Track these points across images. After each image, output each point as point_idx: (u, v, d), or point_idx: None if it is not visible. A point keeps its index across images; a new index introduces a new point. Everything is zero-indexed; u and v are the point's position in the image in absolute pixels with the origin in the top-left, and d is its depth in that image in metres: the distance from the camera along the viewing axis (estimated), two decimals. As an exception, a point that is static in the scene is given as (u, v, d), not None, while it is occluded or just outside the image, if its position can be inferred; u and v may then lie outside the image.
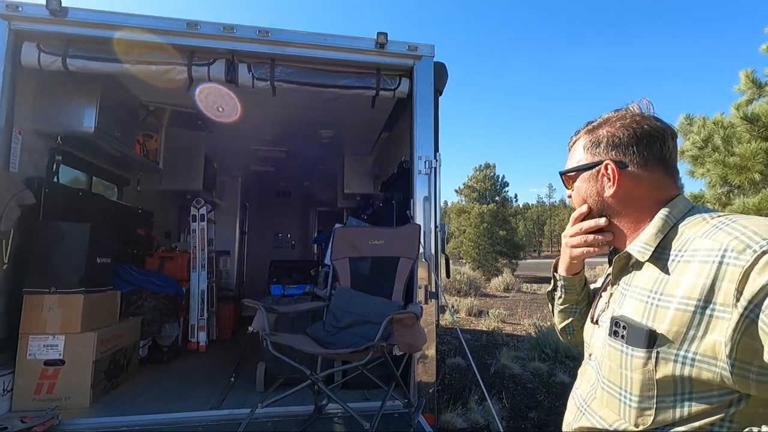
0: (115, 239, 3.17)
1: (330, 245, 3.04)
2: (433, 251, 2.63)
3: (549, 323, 6.61)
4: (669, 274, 0.70)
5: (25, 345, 2.46)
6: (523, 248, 23.48)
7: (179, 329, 3.91)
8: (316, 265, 4.67)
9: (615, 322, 0.75)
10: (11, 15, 2.39)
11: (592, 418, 0.79)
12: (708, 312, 0.63)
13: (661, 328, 0.67)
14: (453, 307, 8.83)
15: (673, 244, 0.73)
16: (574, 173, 0.89)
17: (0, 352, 2.42)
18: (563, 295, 1.02)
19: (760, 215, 3.78)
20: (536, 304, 10.44)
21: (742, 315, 0.59)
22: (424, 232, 2.61)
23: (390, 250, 2.61)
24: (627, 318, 0.73)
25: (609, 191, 0.81)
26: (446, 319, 5.05)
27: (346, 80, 2.81)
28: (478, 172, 24.39)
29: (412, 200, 2.72)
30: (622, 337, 0.72)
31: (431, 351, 2.61)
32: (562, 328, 1.07)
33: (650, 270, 0.75)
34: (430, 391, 2.60)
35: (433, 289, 2.60)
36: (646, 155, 0.79)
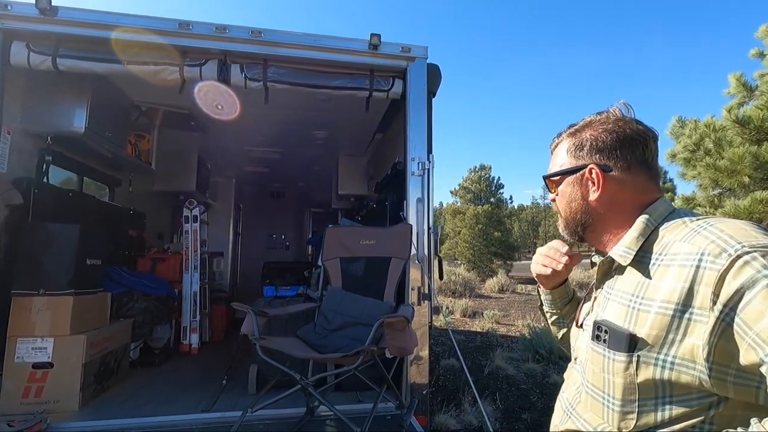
0: (105, 240, 3.14)
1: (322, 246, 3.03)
2: (426, 252, 2.63)
3: (543, 324, 6.64)
4: (650, 277, 0.71)
5: (13, 348, 2.43)
6: (517, 249, 23.60)
7: (171, 331, 3.89)
8: (309, 267, 4.65)
9: (597, 327, 0.75)
10: (0, 14, 2.36)
11: (578, 421, 0.79)
12: (686, 316, 0.63)
13: (641, 332, 0.67)
14: (447, 308, 8.83)
15: (654, 247, 0.73)
16: (558, 177, 0.88)
17: None
18: (548, 309, 1.06)
19: (751, 217, 3.83)
20: (530, 305, 10.47)
21: (718, 318, 0.59)
22: (417, 233, 2.60)
23: (381, 250, 2.60)
24: (609, 322, 0.74)
25: (593, 195, 0.81)
26: (440, 320, 5.05)
27: (340, 81, 2.80)
28: (473, 174, 24.46)
29: (405, 202, 2.72)
30: (604, 341, 0.73)
31: (424, 352, 2.61)
32: (559, 339, 1.09)
33: (632, 274, 0.75)
34: (424, 392, 2.59)
35: (426, 291, 2.60)
36: (630, 159, 0.79)
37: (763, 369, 0.55)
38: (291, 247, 8.34)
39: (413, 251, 2.56)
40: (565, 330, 1.06)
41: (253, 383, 2.86)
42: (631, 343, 0.68)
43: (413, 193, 2.68)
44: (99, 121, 3.02)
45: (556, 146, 0.91)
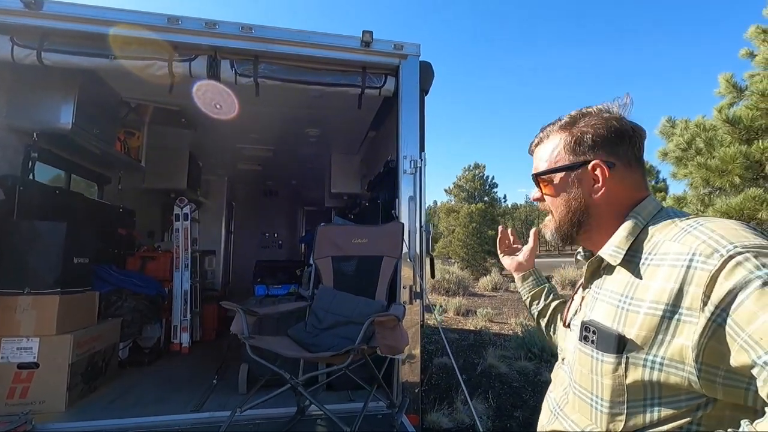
0: (93, 238, 3.10)
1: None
2: (418, 251, 2.62)
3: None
4: (639, 277, 0.69)
5: (-3, 347, 2.38)
6: (511, 248, 23.58)
7: (161, 330, 3.84)
8: (302, 265, 4.62)
9: (585, 327, 0.74)
10: None
11: (565, 422, 0.78)
12: (676, 316, 0.62)
13: (630, 333, 0.66)
14: (441, 306, 8.84)
15: (643, 246, 0.72)
16: (553, 175, 0.82)
17: None
18: (526, 296, 1.17)
19: (742, 216, 3.86)
20: (523, 303, 10.48)
21: (709, 319, 0.58)
22: (409, 231, 2.59)
23: (373, 249, 2.58)
24: (597, 323, 0.72)
25: (597, 193, 0.77)
26: (434, 318, 5.05)
27: (331, 78, 2.78)
28: (467, 172, 24.53)
29: (397, 200, 2.70)
30: (592, 342, 0.71)
31: (416, 351, 2.60)
32: (550, 338, 1.13)
33: (621, 274, 0.73)
34: (416, 391, 2.59)
35: (418, 290, 2.59)
36: (630, 155, 0.78)
37: (754, 371, 0.54)
38: (284, 245, 8.30)
39: (405, 249, 2.54)
40: (546, 323, 1.12)
41: (244, 383, 2.83)
42: (620, 345, 0.66)
43: (405, 191, 2.66)
44: (87, 118, 2.97)
45: (540, 142, 0.86)
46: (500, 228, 1.25)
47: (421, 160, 2.68)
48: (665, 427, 0.64)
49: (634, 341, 0.65)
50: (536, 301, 1.15)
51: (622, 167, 0.77)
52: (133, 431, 2.29)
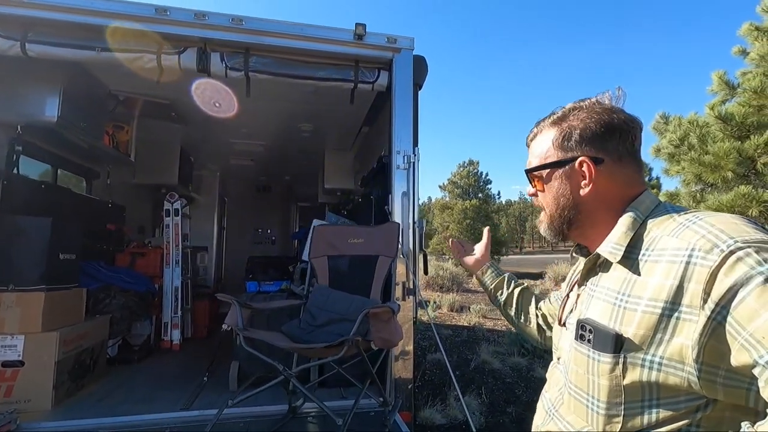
0: (80, 234, 3.03)
1: (308, 242, 2.97)
2: (411, 247, 2.60)
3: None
4: (637, 274, 0.67)
5: (-20, 346, 2.33)
6: (505, 244, 23.76)
7: (151, 327, 3.79)
8: (295, 262, 4.59)
9: (581, 326, 0.72)
10: None
11: (560, 423, 0.76)
12: (675, 314, 0.60)
13: (628, 331, 0.64)
14: (435, 302, 8.85)
15: (641, 243, 0.70)
16: (543, 171, 0.82)
17: None
18: (489, 287, 1.22)
19: (733, 211, 3.89)
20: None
21: (709, 317, 0.56)
22: (402, 227, 2.57)
23: (369, 248, 2.56)
24: (593, 321, 0.70)
25: (584, 190, 0.76)
26: (428, 314, 5.05)
27: (324, 72, 2.74)
28: (461, 169, 24.56)
29: (390, 195, 2.68)
30: (589, 341, 0.69)
31: (409, 347, 2.58)
32: (511, 318, 1.16)
33: (618, 270, 0.71)
34: (408, 387, 2.57)
35: (411, 286, 2.57)
36: (620, 150, 0.75)
37: (756, 371, 0.52)
38: (277, 241, 8.24)
39: (399, 246, 2.52)
40: (514, 311, 1.14)
41: (234, 380, 2.80)
42: (618, 344, 0.64)
43: (398, 186, 2.64)
44: (73, 111, 2.91)
45: (534, 137, 0.85)
46: (451, 241, 1.35)
47: (415, 155, 2.65)
48: (663, 429, 0.62)
49: (632, 340, 0.63)
50: (500, 291, 1.18)
51: (611, 163, 0.75)
52: (122, 430, 2.25)
